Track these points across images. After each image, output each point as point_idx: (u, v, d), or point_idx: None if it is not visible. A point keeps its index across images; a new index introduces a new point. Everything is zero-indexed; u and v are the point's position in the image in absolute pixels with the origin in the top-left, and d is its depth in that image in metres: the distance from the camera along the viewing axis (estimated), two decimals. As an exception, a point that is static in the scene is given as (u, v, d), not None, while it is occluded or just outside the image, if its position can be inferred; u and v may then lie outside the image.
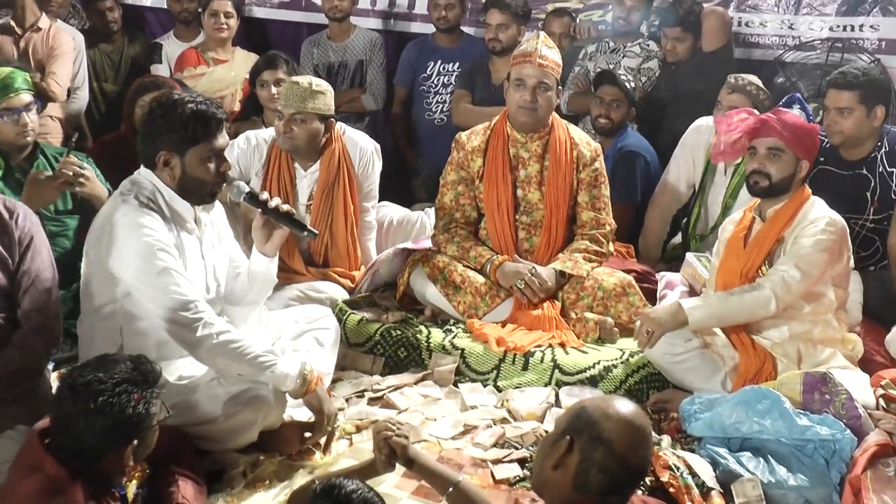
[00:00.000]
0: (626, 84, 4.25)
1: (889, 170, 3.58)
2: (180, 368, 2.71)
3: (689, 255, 3.65)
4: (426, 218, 4.07)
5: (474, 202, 3.63)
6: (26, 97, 3.25)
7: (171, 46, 5.20)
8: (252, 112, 4.35)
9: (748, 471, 2.55)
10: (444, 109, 5.01)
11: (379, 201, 3.96)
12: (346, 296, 3.62)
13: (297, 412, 2.79)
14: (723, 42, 4.49)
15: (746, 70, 4.14)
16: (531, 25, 4.94)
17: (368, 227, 3.85)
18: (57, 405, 2.06)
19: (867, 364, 3.11)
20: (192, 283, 2.62)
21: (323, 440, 2.70)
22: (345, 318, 3.43)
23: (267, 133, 3.76)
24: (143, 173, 2.68)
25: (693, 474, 2.53)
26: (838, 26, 4.64)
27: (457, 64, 4.99)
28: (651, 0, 4.79)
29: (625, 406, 1.82)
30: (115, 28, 5.27)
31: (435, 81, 5.06)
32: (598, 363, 3.19)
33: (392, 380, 3.21)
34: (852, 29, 4.62)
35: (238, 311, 2.91)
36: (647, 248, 4.22)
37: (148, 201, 2.61)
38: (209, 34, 5.00)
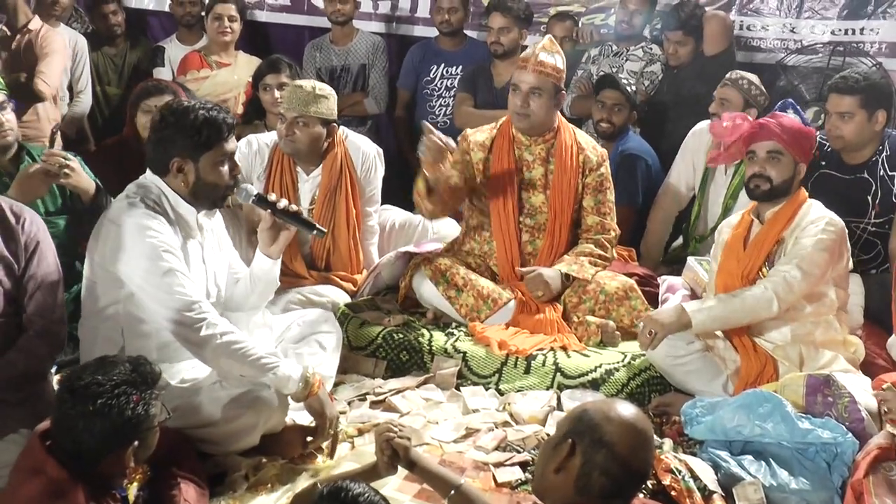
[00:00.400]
0: (627, 88, 4.27)
1: (890, 173, 3.58)
2: (182, 371, 2.71)
3: (691, 260, 3.65)
4: (428, 221, 4.08)
5: (464, 173, 3.57)
6: None
7: (174, 50, 5.20)
8: (254, 116, 4.33)
9: (750, 474, 2.55)
10: (447, 113, 5.01)
11: (381, 204, 3.96)
12: (347, 299, 3.62)
13: (300, 416, 2.79)
14: (724, 46, 4.50)
15: (748, 73, 4.15)
16: (533, 29, 4.95)
17: (371, 232, 3.85)
18: (57, 407, 2.06)
19: (868, 368, 3.11)
20: (197, 285, 2.63)
21: (325, 444, 2.70)
22: (347, 321, 3.43)
23: (269, 137, 3.75)
24: (148, 177, 2.69)
25: (695, 478, 2.53)
26: (840, 30, 4.65)
27: (460, 67, 5.00)
28: (654, 4, 4.80)
29: (627, 409, 1.83)
30: (118, 32, 5.28)
31: (438, 85, 5.07)
32: (600, 367, 3.19)
33: (394, 383, 3.21)
34: (854, 32, 4.63)
35: (239, 317, 2.90)
36: (649, 249, 4.24)
37: (154, 205, 2.62)
38: (212, 38, 5.00)
